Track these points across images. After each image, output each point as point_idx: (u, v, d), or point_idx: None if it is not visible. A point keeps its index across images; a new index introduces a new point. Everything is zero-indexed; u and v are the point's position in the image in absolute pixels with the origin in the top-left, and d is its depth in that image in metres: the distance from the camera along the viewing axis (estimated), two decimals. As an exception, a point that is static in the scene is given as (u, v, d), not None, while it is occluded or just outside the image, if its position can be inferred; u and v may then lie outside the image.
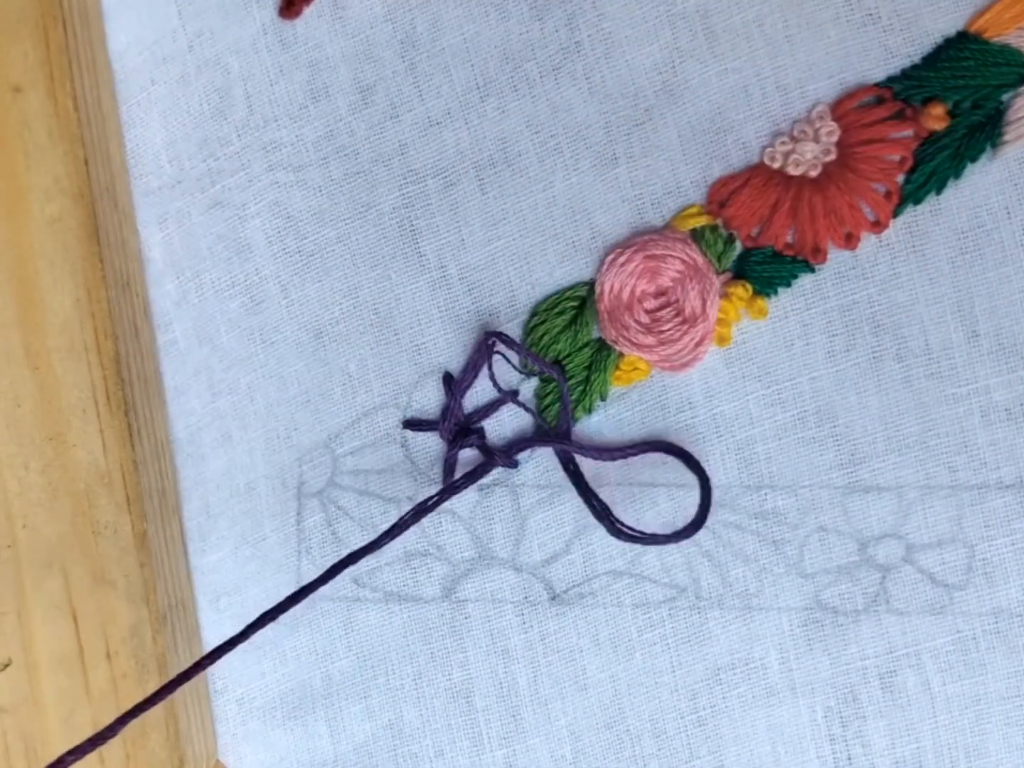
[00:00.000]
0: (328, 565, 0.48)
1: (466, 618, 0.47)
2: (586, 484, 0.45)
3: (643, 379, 0.46)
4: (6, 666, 0.45)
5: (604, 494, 0.46)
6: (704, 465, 0.45)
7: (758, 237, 0.45)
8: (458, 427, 0.47)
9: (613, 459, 0.45)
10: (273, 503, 0.48)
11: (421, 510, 0.44)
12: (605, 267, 0.46)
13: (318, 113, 0.47)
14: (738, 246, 0.45)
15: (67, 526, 0.44)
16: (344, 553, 0.47)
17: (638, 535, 0.44)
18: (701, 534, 0.46)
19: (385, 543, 0.44)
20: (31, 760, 0.45)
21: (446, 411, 0.46)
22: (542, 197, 0.46)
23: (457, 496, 0.47)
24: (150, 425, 0.47)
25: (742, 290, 0.45)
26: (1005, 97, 0.43)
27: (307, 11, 0.47)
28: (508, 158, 0.46)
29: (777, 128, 0.45)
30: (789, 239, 0.45)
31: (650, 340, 0.45)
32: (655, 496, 0.46)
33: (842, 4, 0.44)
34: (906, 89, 0.44)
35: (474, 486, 0.47)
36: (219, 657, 0.42)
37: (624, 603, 0.46)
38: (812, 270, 0.45)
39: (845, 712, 0.46)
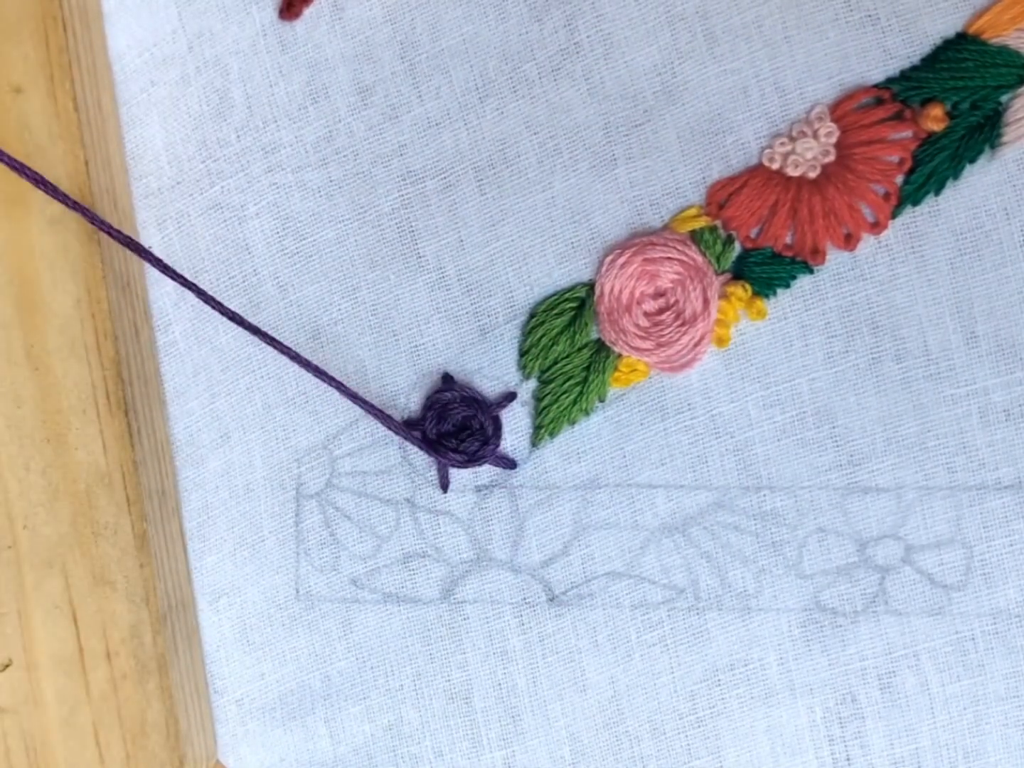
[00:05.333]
0: (326, 566, 0.48)
1: (465, 619, 0.47)
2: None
3: (642, 380, 0.46)
4: (6, 666, 0.45)
5: (602, 495, 0.46)
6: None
7: (757, 238, 0.45)
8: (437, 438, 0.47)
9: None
10: (271, 504, 0.48)
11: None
12: (604, 269, 0.46)
13: (317, 114, 0.47)
14: (737, 247, 0.45)
15: (67, 527, 0.44)
16: (341, 554, 0.48)
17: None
18: (700, 535, 0.46)
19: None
20: (31, 761, 0.45)
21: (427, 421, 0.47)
22: (541, 198, 0.46)
23: (455, 497, 0.47)
24: (150, 426, 0.47)
25: (741, 291, 0.45)
26: (1004, 98, 0.43)
27: (307, 12, 0.47)
28: (507, 159, 0.46)
29: (776, 129, 0.45)
30: (788, 240, 0.45)
31: (648, 344, 0.45)
32: (654, 497, 0.46)
33: (841, 5, 0.44)
34: (905, 90, 0.44)
35: (472, 488, 0.47)
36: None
37: (623, 604, 0.47)
38: (811, 271, 0.45)
39: (844, 713, 0.46)
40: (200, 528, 0.49)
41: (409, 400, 0.47)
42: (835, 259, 0.45)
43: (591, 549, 0.47)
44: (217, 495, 0.49)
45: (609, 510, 0.46)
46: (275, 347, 0.44)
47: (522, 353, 0.47)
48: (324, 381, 0.44)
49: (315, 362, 0.48)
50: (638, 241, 0.46)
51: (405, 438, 0.46)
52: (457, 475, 0.47)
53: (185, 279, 0.43)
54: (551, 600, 0.47)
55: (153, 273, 0.49)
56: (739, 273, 0.45)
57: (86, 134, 0.45)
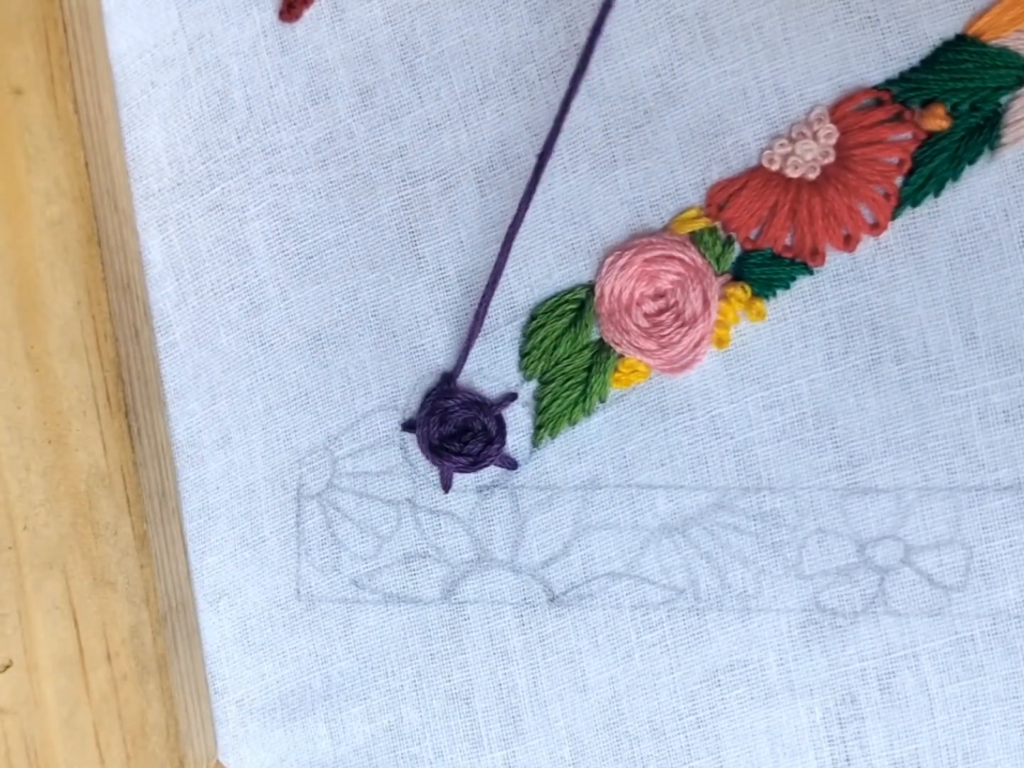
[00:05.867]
0: (327, 566, 0.48)
1: (465, 620, 0.47)
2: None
3: (642, 381, 0.46)
4: (7, 667, 0.45)
5: (603, 495, 0.46)
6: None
7: (757, 239, 0.45)
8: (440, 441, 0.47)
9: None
10: (272, 505, 0.48)
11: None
12: (604, 270, 0.46)
13: (318, 116, 0.47)
14: (737, 248, 0.46)
15: (68, 528, 0.44)
16: (342, 555, 0.48)
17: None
18: (700, 535, 0.46)
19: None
20: (31, 761, 0.45)
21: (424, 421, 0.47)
22: (541, 199, 0.46)
23: (456, 497, 0.47)
24: (150, 427, 0.47)
25: (741, 292, 0.45)
26: (1003, 99, 0.43)
27: (307, 14, 0.47)
28: (507, 160, 0.46)
29: (776, 130, 0.45)
30: (788, 241, 0.45)
31: (651, 344, 0.45)
32: (654, 497, 0.46)
33: (841, 7, 0.44)
34: (904, 91, 0.44)
35: (473, 488, 0.47)
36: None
37: (623, 605, 0.47)
38: (811, 272, 0.45)
39: (843, 713, 0.46)
40: (201, 529, 0.49)
41: (410, 401, 0.47)
42: (835, 260, 0.45)
43: (591, 549, 0.47)
44: (218, 496, 0.49)
45: (609, 510, 0.46)
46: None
47: (523, 355, 0.47)
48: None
49: (315, 363, 0.48)
50: (638, 242, 0.46)
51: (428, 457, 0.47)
52: (458, 475, 0.47)
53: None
54: (551, 600, 0.47)
55: (152, 274, 0.49)
56: (739, 274, 0.46)
57: (86, 135, 0.45)
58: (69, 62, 0.44)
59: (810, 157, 0.44)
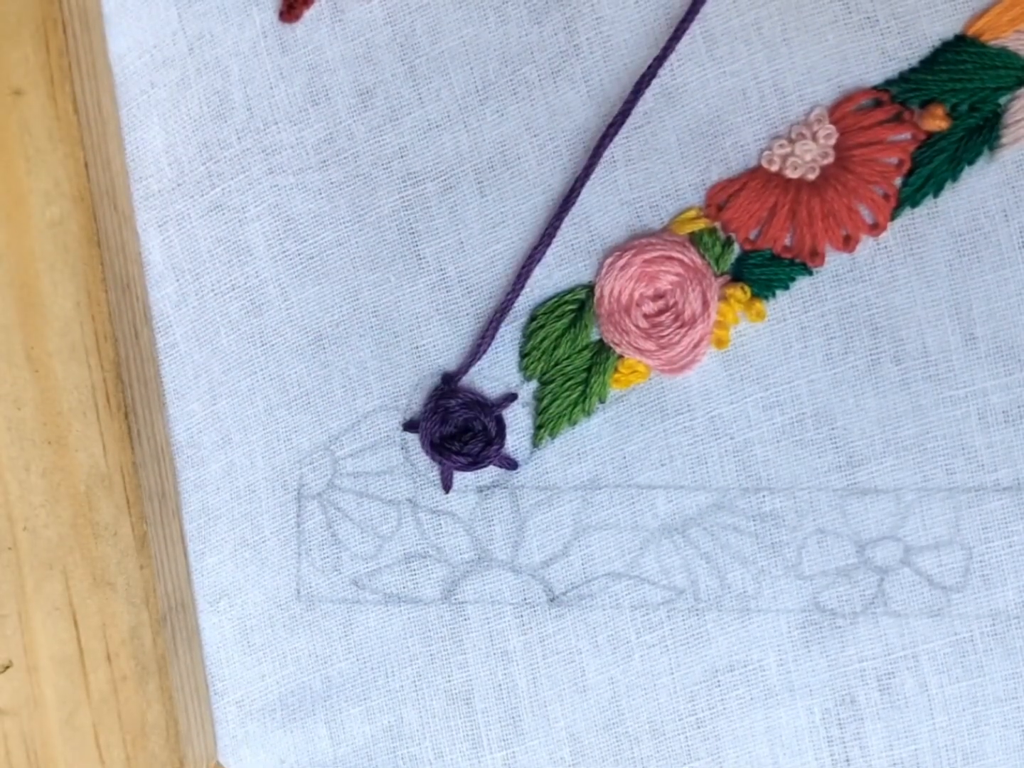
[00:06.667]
0: (327, 567, 0.48)
1: (465, 620, 0.47)
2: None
3: (642, 381, 0.46)
4: (7, 668, 0.45)
5: (603, 495, 0.46)
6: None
7: (756, 240, 0.45)
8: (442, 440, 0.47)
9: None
10: (273, 505, 0.48)
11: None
12: (604, 271, 0.46)
13: (318, 116, 0.47)
14: (736, 249, 0.46)
15: (67, 528, 0.44)
16: (343, 555, 0.48)
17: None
18: (700, 536, 0.46)
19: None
20: (31, 762, 0.45)
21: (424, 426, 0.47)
22: (541, 200, 0.46)
23: (457, 498, 0.47)
24: (150, 427, 0.47)
25: (740, 293, 0.45)
26: (1003, 100, 0.44)
27: (307, 14, 0.47)
28: (507, 161, 0.46)
29: (775, 131, 0.45)
30: (787, 242, 0.45)
31: (650, 345, 0.45)
32: (653, 498, 0.46)
33: (840, 8, 0.44)
34: (904, 92, 0.44)
35: (474, 488, 0.47)
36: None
37: (623, 605, 0.47)
38: (810, 273, 0.45)
39: (843, 714, 0.46)
40: (201, 529, 0.49)
41: (411, 400, 0.47)
42: (834, 261, 0.45)
43: (591, 550, 0.47)
44: (218, 496, 0.49)
45: (609, 511, 0.46)
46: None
47: (523, 355, 0.47)
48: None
49: (316, 364, 0.48)
50: (637, 243, 0.46)
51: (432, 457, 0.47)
52: (459, 475, 0.47)
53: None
54: (551, 600, 0.47)
55: (152, 275, 0.49)
56: (738, 275, 0.46)
57: (86, 136, 0.45)
58: (69, 63, 0.44)
59: (809, 158, 0.44)
